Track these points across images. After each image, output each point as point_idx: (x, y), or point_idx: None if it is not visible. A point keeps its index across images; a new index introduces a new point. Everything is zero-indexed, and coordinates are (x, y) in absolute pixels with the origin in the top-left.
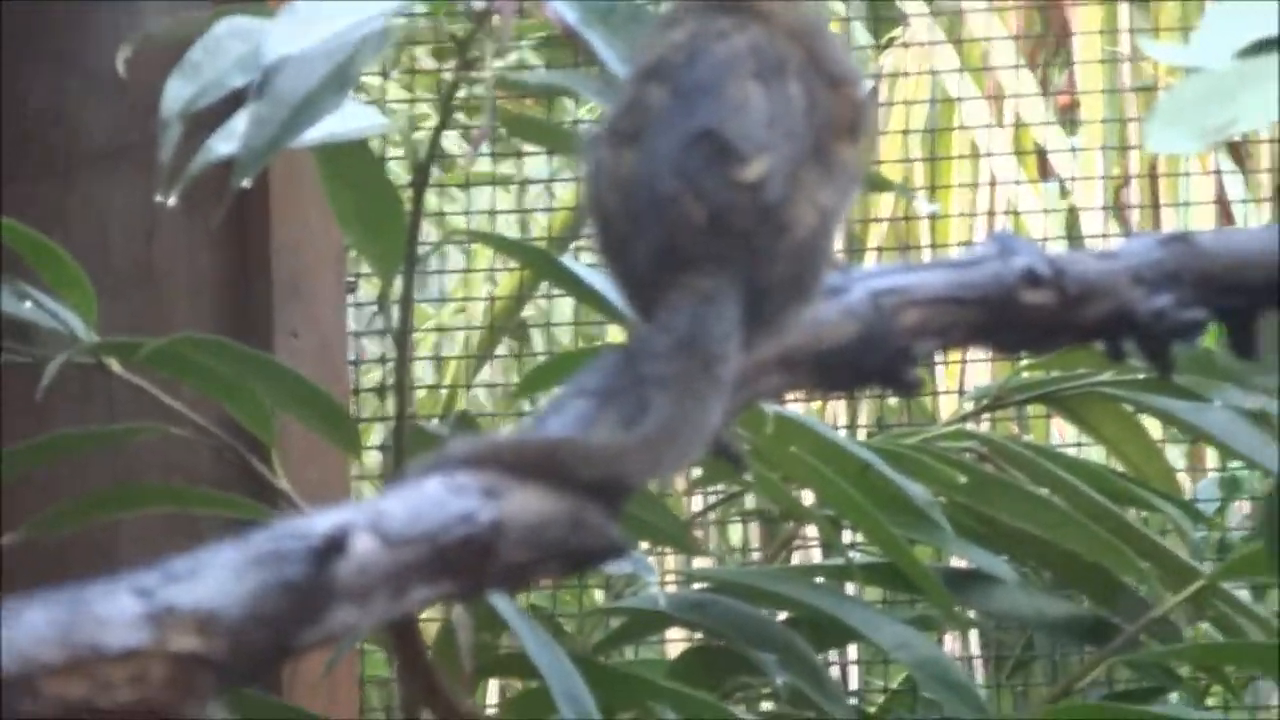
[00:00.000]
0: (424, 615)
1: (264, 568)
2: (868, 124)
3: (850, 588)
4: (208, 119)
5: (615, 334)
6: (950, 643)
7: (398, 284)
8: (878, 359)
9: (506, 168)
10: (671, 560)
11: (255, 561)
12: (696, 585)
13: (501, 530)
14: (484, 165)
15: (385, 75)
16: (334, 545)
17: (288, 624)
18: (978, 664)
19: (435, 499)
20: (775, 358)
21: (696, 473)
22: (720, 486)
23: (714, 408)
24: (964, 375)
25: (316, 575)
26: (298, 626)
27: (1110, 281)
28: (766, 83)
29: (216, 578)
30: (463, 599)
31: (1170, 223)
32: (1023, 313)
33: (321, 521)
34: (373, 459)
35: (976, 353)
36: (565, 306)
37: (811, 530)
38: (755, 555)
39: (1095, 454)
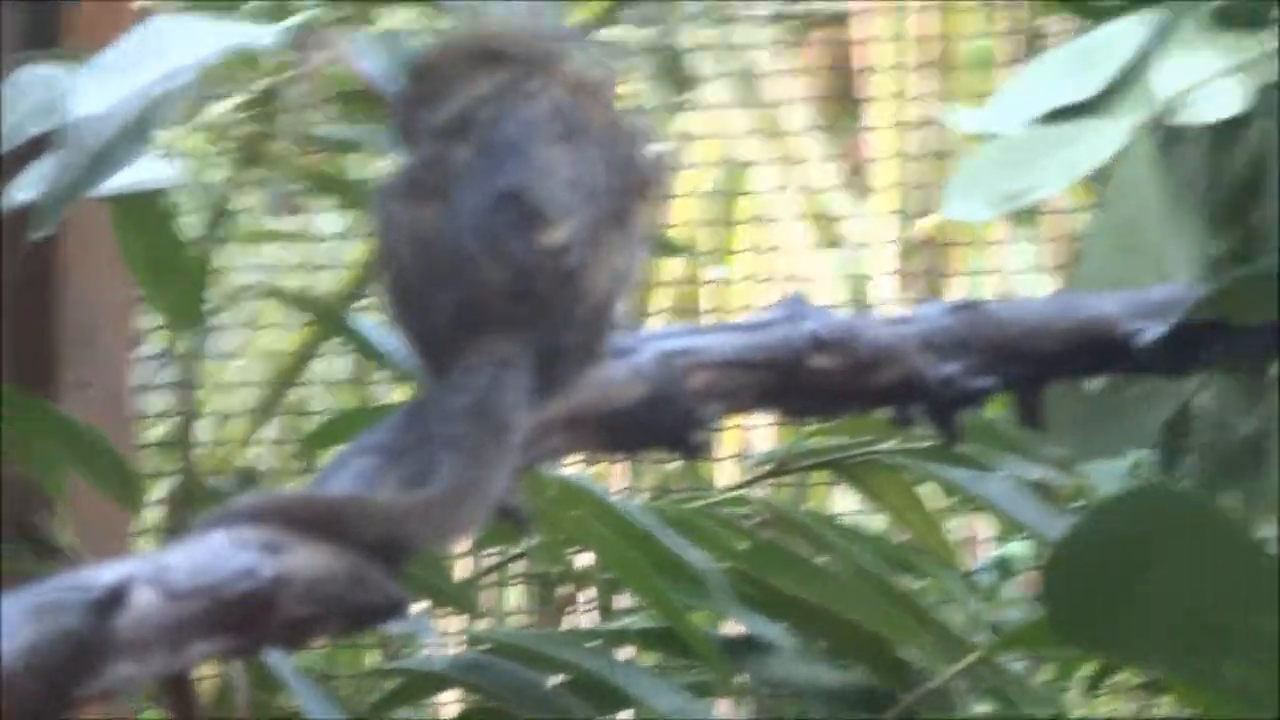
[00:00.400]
0: (200, 673)
1: (43, 618)
2: (661, 187)
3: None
4: (5, 165)
5: (399, 394)
6: (724, 710)
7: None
8: (666, 421)
9: (295, 223)
10: (455, 622)
11: (35, 612)
12: (476, 647)
13: (283, 585)
14: (268, 221)
15: (185, 125)
16: (114, 597)
17: (65, 675)
18: None
19: (218, 553)
20: (562, 418)
21: (476, 533)
22: (499, 548)
23: (501, 475)
24: (747, 441)
25: (96, 627)
26: (75, 678)
27: (900, 347)
28: (570, 145)
29: None
30: (242, 654)
31: (959, 291)
32: (811, 377)
33: (104, 574)
34: (155, 514)
35: (760, 418)
36: (348, 365)
37: (590, 594)
38: (532, 618)
39: (877, 521)
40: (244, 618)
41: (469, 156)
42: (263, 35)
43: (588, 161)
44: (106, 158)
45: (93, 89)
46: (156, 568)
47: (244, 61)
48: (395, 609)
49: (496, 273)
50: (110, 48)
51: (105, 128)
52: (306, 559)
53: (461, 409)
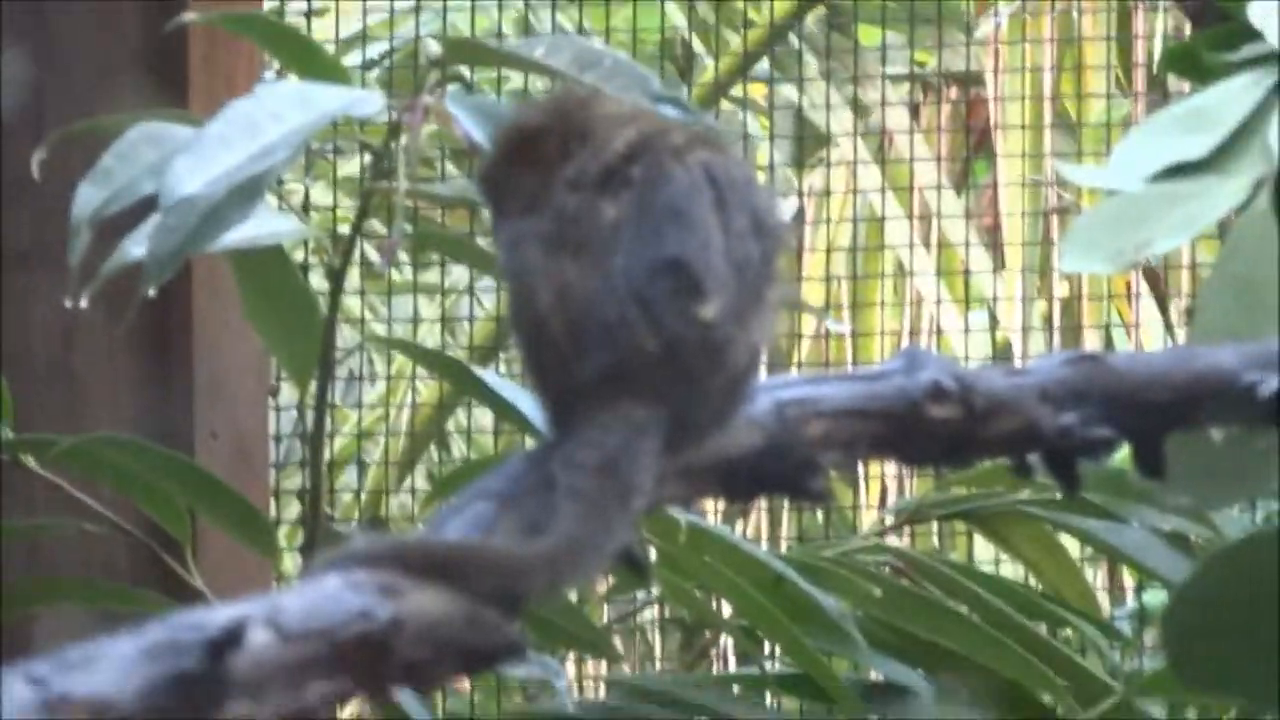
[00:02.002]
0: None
1: (158, 659)
2: (787, 253)
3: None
4: (124, 219)
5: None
6: None
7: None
8: (782, 469)
9: (432, 275)
10: (590, 666)
11: (150, 652)
12: (615, 692)
13: (399, 628)
14: (408, 273)
15: (307, 175)
16: (229, 638)
17: (181, 714)
18: None
19: (333, 595)
20: (679, 468)
21: (610, 580)
22: (636, 594)
23: (619, 536)
24: (884, 490)
25: (210, 667)
26: (191, 717)
27: (1017, 397)
28: (722, 212)
29: (111, 667)
30: (362, 695)
31: (1091, 345)
32: (928, 426)
33: (218, 615)
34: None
35: (899, 468)
36: (488, 415)
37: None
38: (668, 664)
39: (1012, 572)
40: (360, 659)
41: (621, 214)
42: (365, 103)
43: (736, 229)
44: (214, 217)
45: (193, 163)
46: (271, 609)
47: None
48: (512, 650)
49: (648, 340)
50: (215, 117)
51: (210, 195)
52: (421, 601)
53: (590, 464)
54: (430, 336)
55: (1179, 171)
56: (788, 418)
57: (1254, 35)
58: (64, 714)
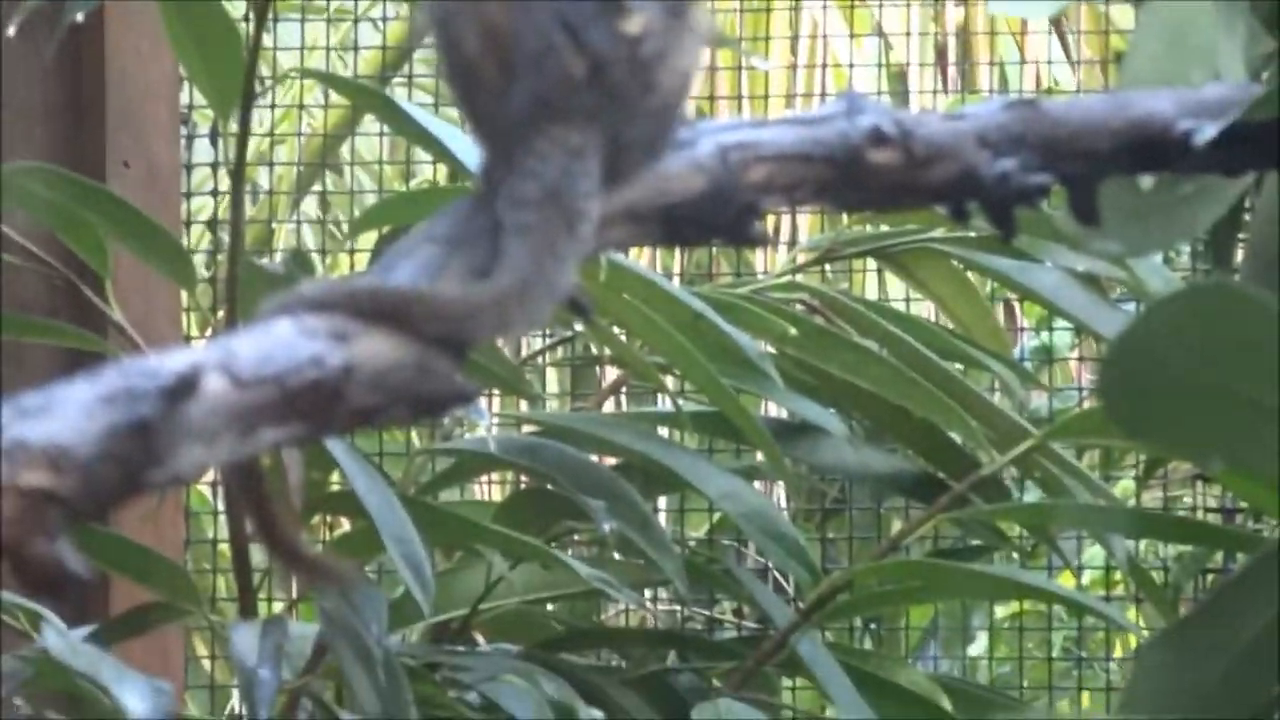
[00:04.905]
0: None
1: (115, 405)
2: None
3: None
4: None
5: (439, 174)
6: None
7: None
8: (725, 214)
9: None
10: (498, 402)
11: (107, 399)
12: (525, 429)
13: (350, 374)
14: None
15: None
16: (185, 385)
17: (138, 462)
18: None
19: (285, 341)
20: (622, 210)
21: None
22: (549, 331)
23: (570, 268)
24: (794, 227)
25: (168, 414)
26: (147, 465)
27: (956, 143)
28: None
29: (68, 414)
30: (309, 440)
31: (986, 82)
32: (869, 172)
33: (172, 361)
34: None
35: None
36: (387, 145)
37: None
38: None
39: (924, 310)
40: (311, 405)
41: None
42: None
43: None
44: None
45: None
46: (224, 355)
47: None
48: (461, 397)
49: (575, 63)
50: None
51: None
52: (372, 348)
53: (533, 196)
54: (312, 62)
55: None
56: (730, 161)
57: None
58: (20, 460)
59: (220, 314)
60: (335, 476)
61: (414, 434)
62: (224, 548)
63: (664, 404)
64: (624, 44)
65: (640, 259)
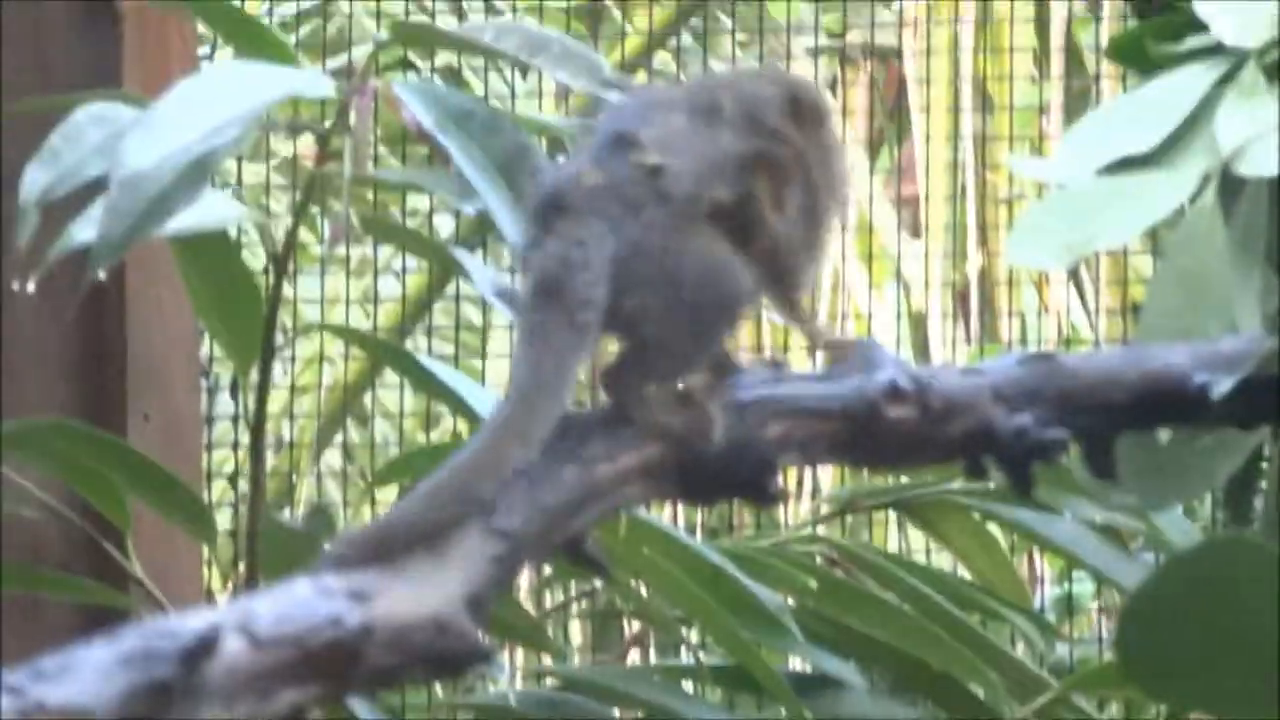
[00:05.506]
0: None
1: (134, 667)
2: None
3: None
4: (68, 201)
5: (461, 424)
6: None
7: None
8: (742, 470)
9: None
10: (520, 655)
11: (125, 661)
12: (541, 682)
13: (369, 634)
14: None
15: (239, 157)
16: (204, 646)
17: None
18: None
19: (303, 600)
20: (638, 466)
21: (546, 571)
22: (566, 584)
23: (572, 361)
24: (815, 479)
25: (186, 676)
26: None
27: (972, 397)
28: (695, 119)
29: (86, 677)
30: (329, 700)
31: (1006, 331)
32: (885, 427)
33: (192, 622)
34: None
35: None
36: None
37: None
38: (595, 655)
39: (944, 562)
40: (330, 666)
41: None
42: (314, 84)
43: (714, 140)
44: (163, 201)
45: (145, 141)
46: (243, 615)
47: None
48: (479, 655)
49: (593, 178)
50: (165, 96)
51: (160, 176)
52: (390, 607)
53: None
54: (355, 314)
55: (1126, 164)
56: (748, 418)
57: (1200, 27)
58: None
59: (241, 567)
60: None
61: (436, 687)
62: None
63: (686, 657)
64: (640, 169)
65: (662, 514)
